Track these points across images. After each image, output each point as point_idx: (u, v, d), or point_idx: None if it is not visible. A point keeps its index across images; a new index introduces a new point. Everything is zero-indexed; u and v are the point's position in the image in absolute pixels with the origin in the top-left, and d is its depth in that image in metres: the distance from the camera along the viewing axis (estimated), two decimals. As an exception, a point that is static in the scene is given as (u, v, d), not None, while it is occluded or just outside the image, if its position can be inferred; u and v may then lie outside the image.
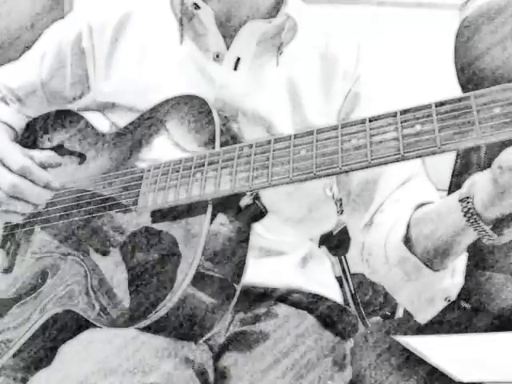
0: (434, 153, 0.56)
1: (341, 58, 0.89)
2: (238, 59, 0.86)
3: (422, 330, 0.97)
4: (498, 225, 0.64)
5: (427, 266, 0.73)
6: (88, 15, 0.93)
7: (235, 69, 0.86)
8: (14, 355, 0.72)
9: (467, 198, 0.64)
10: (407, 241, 0.75)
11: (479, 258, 1.02)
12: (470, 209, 0.64)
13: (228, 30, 0.86)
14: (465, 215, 0.64)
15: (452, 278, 0.75)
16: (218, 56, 0.86)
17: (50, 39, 0.98)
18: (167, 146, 0.76)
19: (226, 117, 0.84)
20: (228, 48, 0.86)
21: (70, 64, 0.94)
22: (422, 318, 0.79)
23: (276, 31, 0.87)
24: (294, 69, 0.88)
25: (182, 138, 0.75)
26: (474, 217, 0.63)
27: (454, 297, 0.77)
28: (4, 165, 0.79)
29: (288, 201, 0.87)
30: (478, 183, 0.63)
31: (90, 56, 0.92)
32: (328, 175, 0.60)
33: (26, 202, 0.78)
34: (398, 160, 0.56)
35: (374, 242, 0.82)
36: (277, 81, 0.87)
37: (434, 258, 0.72)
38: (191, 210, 0.67)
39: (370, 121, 0.58)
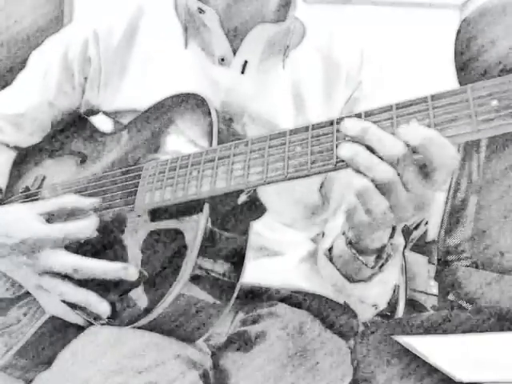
0: None
1: (344, 62, 0.89)
2: (245, 62, 0.86)
3: (422, 330, 0.97)
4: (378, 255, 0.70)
5: (348, 278, 0.75)
6: (93, 22, 0.92)
7: (242, 72, 0.86)
8: (16, 354, 0.72)
9: (344, 232, 0.70)
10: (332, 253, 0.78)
11: (479, 260, 1.02)
12: (347, 238, 0.69)
13: (233, 33, 0.86)
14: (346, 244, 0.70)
15: (378, 288, 0.76)
16: (223, 60, 0.86)
17: (47, 56, 0.95)
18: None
19: (231, 118, 0.84)
20: (234, 51, 0.86)
21: (77, 74, 0.92)
22: (362, 317, 0.85)
23: (284, 34, 0.87)
24: (298, 72, 0.88)
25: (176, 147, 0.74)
26: (351, 246, 0.70)
27: (381, 305, 0.81)
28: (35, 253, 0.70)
29: (285, 200, 0.88)
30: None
31: (95, 63, 0.91)
32: (322, 172, 0.58)
33: None
34: None
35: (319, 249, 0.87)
36: (282, 84, 0.88)
37: (351, 271, 0.75)
38: (189, 208, 0.67)
39: (366, 116, 0.57)
